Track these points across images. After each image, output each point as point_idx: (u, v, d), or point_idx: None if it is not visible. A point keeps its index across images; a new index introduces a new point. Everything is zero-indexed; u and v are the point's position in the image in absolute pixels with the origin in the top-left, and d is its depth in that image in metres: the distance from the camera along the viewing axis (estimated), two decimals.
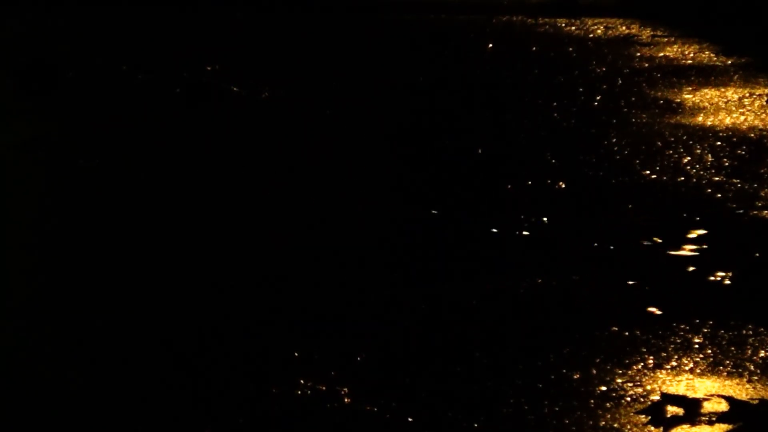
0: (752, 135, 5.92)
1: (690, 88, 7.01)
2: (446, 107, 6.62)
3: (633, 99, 6.75)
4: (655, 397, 3.20)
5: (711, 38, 8.64)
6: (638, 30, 9.12)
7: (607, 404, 3.17)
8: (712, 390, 3.24)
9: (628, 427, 3.06)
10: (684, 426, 3.06)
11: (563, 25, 9.46)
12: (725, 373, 3.34)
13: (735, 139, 5.82)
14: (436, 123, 6.23)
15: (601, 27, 9.30)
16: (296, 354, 3.46)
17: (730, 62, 7.81)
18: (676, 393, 3.22)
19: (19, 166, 5.47)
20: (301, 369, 3.36)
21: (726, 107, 6.52)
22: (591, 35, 8.97)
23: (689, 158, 5.49)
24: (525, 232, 4.51)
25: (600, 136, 5.94)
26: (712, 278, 4.04)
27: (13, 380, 3.32)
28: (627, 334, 3.60)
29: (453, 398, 3.21)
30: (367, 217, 4.71)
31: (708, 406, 3.15)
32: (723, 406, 3.15)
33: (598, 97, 6.82)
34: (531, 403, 3.17)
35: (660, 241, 4.41)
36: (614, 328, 3.63)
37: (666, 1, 10.26)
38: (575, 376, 3.32)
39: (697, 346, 3.51)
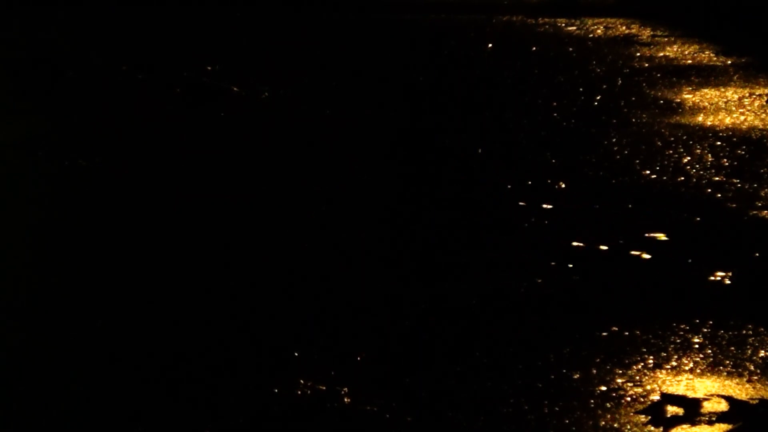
0: (752, 135, 5.92)
1: (690, 88, 7.01)
2: (446, 107, 6.62)
3: (633, 99, 6.75)
4: (655, 397, 3.20)
5: (711, 38, 8.64)
6: (638, 30, 9.12)
7: (607, 404, 3.17)
8: (712, 390, 3.24)
9: (628, 427, 3.06)
10: (684, 426, 3.06)
11: (563, 25, 9.46)
12: (725, 373, 3.35)
13: (735, 139, 5.82)
14: (435, 123, 6.23)
15: (601, 27, 9.30)
16: (296, 354, 3.46)
17: (730, 62, 7.81)
18: (676, 393, 3.22)
19: (18, 166, 5.47)
20: (301, 369, 3.36)
21: (726, 107, 6.52)
22: (591, 35, 8.97)
23: (689, 158, 5.49)
24: (525, 232, 4.51)
25: (600, 136, 5.94)
26: (712, 278, 4.05)
27: (13, 380, 3.32)
28: (627, 334, 3.60)
29: (453, 398, 3.21)
30: (366, 217, 4.71)
31: (708, 406, 3.15)
32: (723, 406, 3.15)
33: (598, 97, 6.83)
34: (531, 403, 3.17)
35: (660, 241, 4.41)
36: (614, 328, 3.63)
37: (666, 1, 10.26)
38: (575, 376, 3.32)
39: (697, 346, 3.51)
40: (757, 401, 3.19)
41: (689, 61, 7.88)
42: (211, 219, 4.70)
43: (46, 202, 4.97)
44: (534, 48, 8.47)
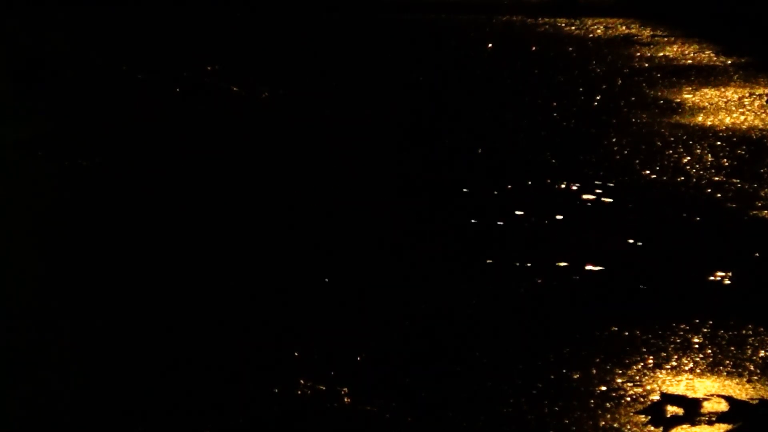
0: (752, 135, 5.92)
1: (690, 88, 7.01)
2: (446, 107, 6.62)
3: (633, 99, 6.75)
4: (655, 397, 3.20)
5: (711, 38, 8.64)
6: (638, 30, 9.12)
7: (607, 404, 3.17)
8: (712, 390, 3.24)
9: (628, 427, 3.06)
10: (684, 426, 3.06)
11: (563, 25, 9.46)
12: (725, 373, 3.35)
13: (735, 139, 5.82)
14: (436, 123, 6.23)
15: (601, 27, 9.30)
16: (296, 354, 3.46)
17: (730, 62, 7.81)
18: (676, 393, 3.22)
19: (19, 166, 5.47)
20: (301, 369, 3.36)
21: (726, 107, 6.52)
22: (591, 35, 8.97)
23: (689, 158, 5.49)
24: (525, 232, 4.51)
25: (600, 136, 5.94)
26: (712, 278, 4.05)
27: (13, 380, 3.32)
28: (627, 334, 3.60)
29: (453, 398, 3.21)
30: (366, 217, 4.71)
31: (708, 406, 3.15)
32: (723, 406, 3.15)
33: (598, 97, 6.83)
34: (531, 403, 3.17)
35: (660, 241, 4.41)
36: (614, 328, 3.63)
37: (666, 1, 10.26)
38: (575, 376, 3.33)
39: (697, 346, 3.52)
40: (757, 401, 3.19)
41: (689, 61, 7.88)
42: (210, 219, 4.70)
43: (47, 201, 4.97)
44: (534, 48, 8.47)
